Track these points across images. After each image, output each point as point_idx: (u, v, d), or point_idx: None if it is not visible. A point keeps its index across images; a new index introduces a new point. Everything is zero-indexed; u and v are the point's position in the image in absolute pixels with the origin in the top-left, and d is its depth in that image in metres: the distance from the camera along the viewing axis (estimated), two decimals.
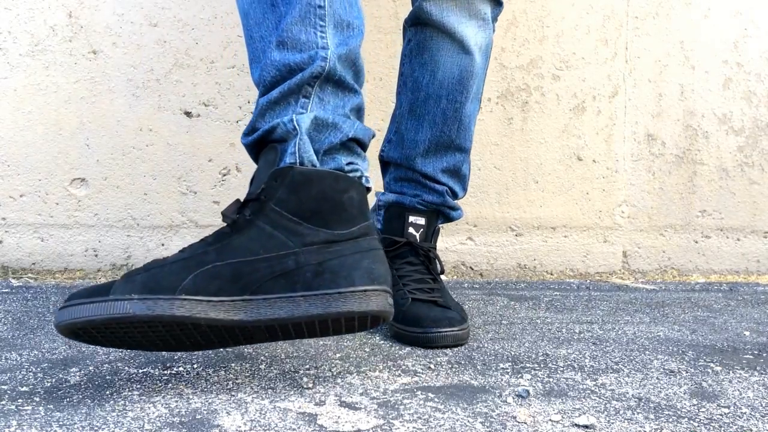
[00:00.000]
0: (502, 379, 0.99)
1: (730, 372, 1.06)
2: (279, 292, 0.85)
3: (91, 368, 0.99)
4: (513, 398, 0.91)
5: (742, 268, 1.92)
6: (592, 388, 0.96)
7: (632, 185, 1.87)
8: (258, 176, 0.92)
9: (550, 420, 0.84)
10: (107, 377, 0.96)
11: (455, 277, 1.80)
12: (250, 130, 0.95)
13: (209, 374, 0.98)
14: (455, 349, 1.13)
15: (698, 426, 0.84)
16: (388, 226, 1.28)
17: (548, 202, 1.84)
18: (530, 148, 1.82)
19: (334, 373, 0.99)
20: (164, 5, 1.68)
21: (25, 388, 0.91)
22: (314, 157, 0.90)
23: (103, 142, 1.68)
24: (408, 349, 1.13)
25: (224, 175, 1.70)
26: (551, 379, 0.99)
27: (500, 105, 1.80)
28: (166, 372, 0.98)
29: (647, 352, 1.15)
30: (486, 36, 1.24)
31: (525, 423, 0.83)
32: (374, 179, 1.45)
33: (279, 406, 0.86)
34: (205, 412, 0.84)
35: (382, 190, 1.33)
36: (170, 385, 0.93)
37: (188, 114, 1.70)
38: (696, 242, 1.90)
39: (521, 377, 1.00)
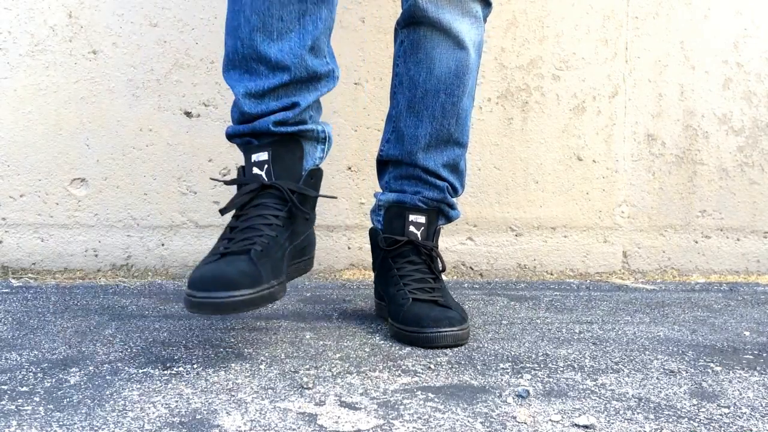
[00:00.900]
0: (502, 379, 0.99)
1: (730, 372, 1.06)
2: None
3: (91, 368, 0.99)
4: (513, 398, 0.91)
5: (742, 268, 1.92)
6: (592, 388, 0.96)
7: (632, 185, 1.87)
8: (287, 165, 1.13)
9: (550, 420, 0.84)
10: (107, 377, 0.96)
11: (455, 277, 1.80)
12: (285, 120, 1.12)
13: (209, 374, 0.98)
14: (455, 349, 1.14)
15: (698, 426, 0.84)
16: (389, 226, 1.28)
17: (548, 202, 1.83)
18: (530, 148, 1.82)
19: (334, 373, 0.99)
20: (164, 5, 1.68)
21: (25, 388, 0.91)
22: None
23: (103, 142, 1.68)
24: (408, 349, 1.13)
25: (224, 175, 1.70)
26: (551, 379, 0.99)
27: (500, 105, 1.80)
28: (166, 372, 0.98)
29: (647, 352, 1.15)
30: (479, 33, 1.27)
31: (525, 423, 0.83)
32: (374, 180, 1.45)
33: (279, 406, 0.86)
34: (205, 412, 0.84)
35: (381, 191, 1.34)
36: (170, 385, 0.93)
37: (188, 114, 1.70)
38: (696, 242, 1.90)
39: (521, 377, 1.00)
